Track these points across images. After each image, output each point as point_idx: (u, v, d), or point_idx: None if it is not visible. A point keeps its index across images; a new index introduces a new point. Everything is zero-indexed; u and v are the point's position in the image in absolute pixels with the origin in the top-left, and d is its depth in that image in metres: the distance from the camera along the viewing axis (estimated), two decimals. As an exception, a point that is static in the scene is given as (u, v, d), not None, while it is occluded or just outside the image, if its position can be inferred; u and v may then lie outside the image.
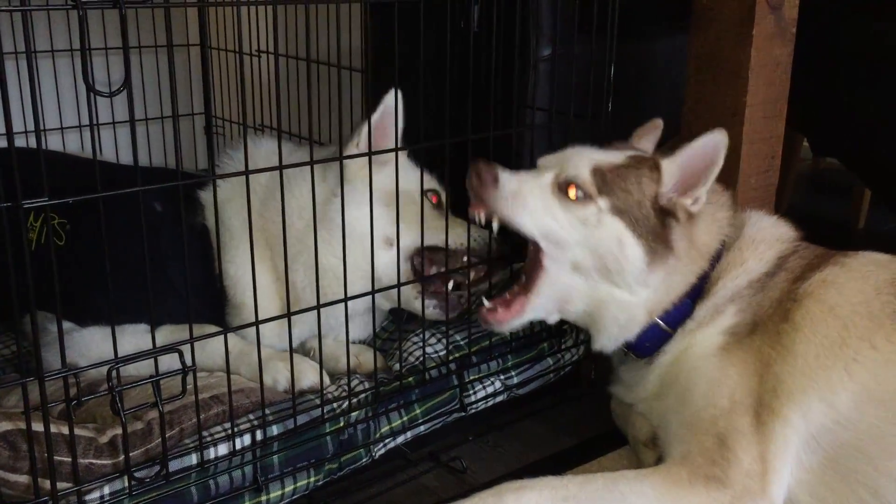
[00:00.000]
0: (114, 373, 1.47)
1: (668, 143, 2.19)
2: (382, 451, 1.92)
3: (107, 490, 1.55)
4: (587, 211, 1.72)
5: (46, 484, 1.46)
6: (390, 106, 1.91)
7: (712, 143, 1.73)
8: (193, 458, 1.63)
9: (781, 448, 1.60)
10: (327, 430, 1.80)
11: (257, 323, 1.68)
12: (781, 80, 2.14)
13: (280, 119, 1.64)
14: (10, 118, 1.26)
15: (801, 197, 3.96)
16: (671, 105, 2.13)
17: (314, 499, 1.81)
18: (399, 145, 1.97)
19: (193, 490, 1.63)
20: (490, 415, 2.13)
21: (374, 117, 1.90)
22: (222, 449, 1.67)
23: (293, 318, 1.74)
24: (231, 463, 1.68)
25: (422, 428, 1.99)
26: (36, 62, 2.86)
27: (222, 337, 1.69)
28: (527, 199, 1.73)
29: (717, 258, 1.82)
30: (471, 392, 2.06)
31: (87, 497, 1.53)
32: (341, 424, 1.82)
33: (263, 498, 1.71)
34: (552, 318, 1.88)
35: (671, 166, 1.77)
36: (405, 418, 1.95)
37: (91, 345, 1.89)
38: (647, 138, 2.00)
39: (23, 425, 1.45)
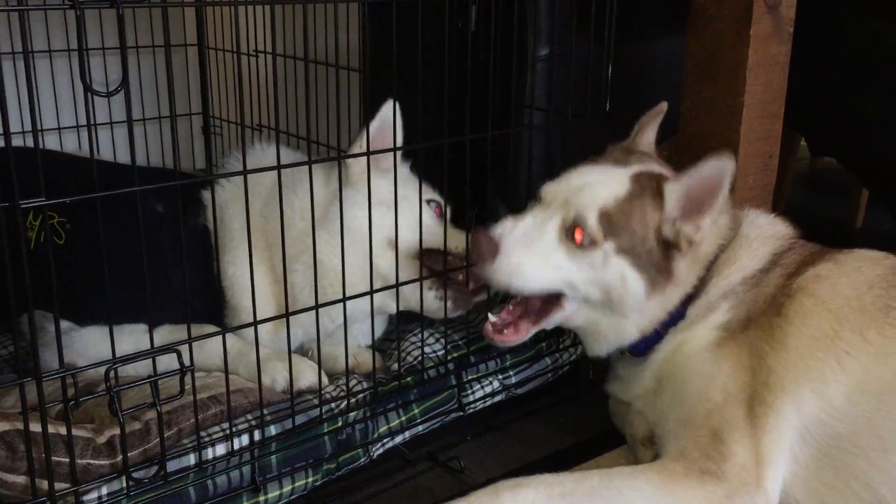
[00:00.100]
0: (112, 373, 1.47)
1: (666, 144, 2.19)
2: (381, 451, 1.92)
3: (105, 490, 1.54)
4: (594, 257, 1.73)
5: (44, 484, 1.46)
6: (388, 116, 1.92)
7: (718, 169, 1.70)
8: (191, 459, 1.63)
9: (775, 440, 1.61)
10: (325, 431, 1.80)
11: (255, 323, 1.68)
12: (779, 80, 2.14)
13: (278, 119, 1.64)
14: (7, 118, 1.26)
15: (799, 196, 3.97)
16: (669, 104, 2.12)
17: (312, 499, 1.81)
18: (405, 156, 2.00)
19: (191, 490, 1.62)
20: (488, 415, 2.13)
21: (373, 126, 1.90)
22: (220, 449, 1.67)
23: (287, 323, 1.75)
24: (229, 463, 1.68)
25: (420, 428, 1.99)
26: (33, 62, 2.86)
27: (221, 337, 1.69)
28: (529, 270, 1.74)
29: (713, 261, 1.83)
30: (469, 392, 2.06)
31: (85, 497, 1.53)
32: (339, 424, 1.82)
33: (261, 498, 1.70)
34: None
35: (675, 191, 1.74)
36: (403, 418, 1.95)
37: (90, 344, 1.88)
38: (650, 126, 1.99)
39: (20, 426, 1.45)
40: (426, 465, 1.95)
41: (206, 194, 2.04)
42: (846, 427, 1.57)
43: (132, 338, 1.82)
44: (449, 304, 1.98)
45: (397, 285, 1.93)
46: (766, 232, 1.87)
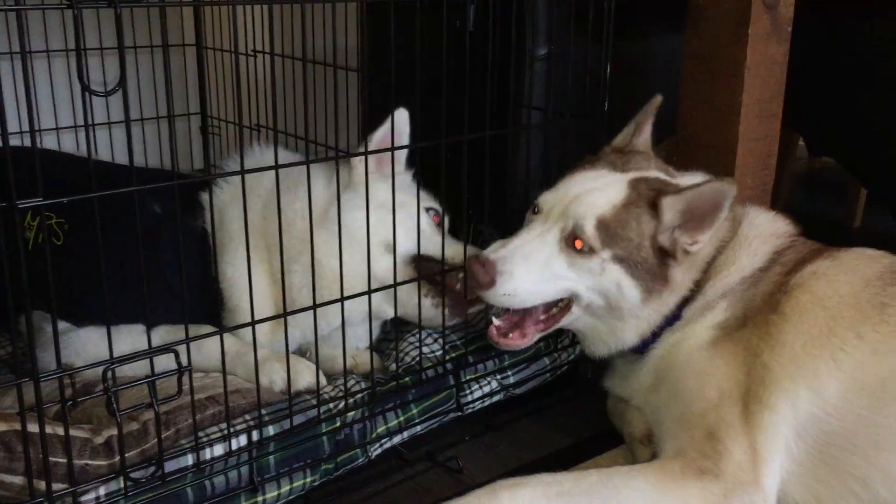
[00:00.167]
0: (109, 373, 1.46)
1: (665, 144, 2.19)
2: (379, 451, 1.92)
3: (102, 491, 1.54)
4: (592, 263, 1.75)
5: (42, 485, 1.46)
6: (398, 123, 1.92)
7: (719, 191, 1.72)
8: (189, 459, 1.63)
9: (771, 438, 1.61)
10: (324, 431, 1.80)
11: (253, 323, 1.67)
12: (777, 79, 2.14)
13: (276, 119, 1.64)
14: (4, 118, 1.26)
15: (797, 196, 3.97)
16: (667, 104, 2.12)
17: (311, 499, 1.81)
18: (408, 165, 2.01)
19: (189, 491, 1.62)
20: (486, 414, 2.13)
21: (381, 131, 1.91)
22: (218, 449, 1.66)
23: (286, 323, 1.75)
24: (227, 463, 1.68)
25: (418, 428, 1.99)
26: (31, 62, 2.86)
27: (219, 337, 1.68)
28: (527, 287, 1.75)
29: (710, 263, 1.83)
30: (467, 392, 2.06)
31: (83, 498, 1.52)
32: (338, 425, 1.82)
33: (259, 498, 1.70)
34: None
35: (672, 204, 1.75)
36: (401, 418, 1.94)
37: (88, 345, 1.88)
38: (646, 124, 2.00)
39: (18, 426, 1.45)
40: (424, 466, 1.95)
41: (206, 196, 2.03)
42: (842, 424, 1.57)
43: (130, 338, 1.82)
44: (437, 308, 1.99)
45: (395, 285, 1.93)
46: (766, 230, 1.88)
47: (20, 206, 1.29)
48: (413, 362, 2.02)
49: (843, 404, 1.58)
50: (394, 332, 2.14)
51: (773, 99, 2.15)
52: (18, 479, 1.48)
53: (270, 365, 1.87)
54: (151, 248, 1.90)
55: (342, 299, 1.80)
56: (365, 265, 1.86)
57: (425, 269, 1.97)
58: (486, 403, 2.11)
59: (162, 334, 1.87)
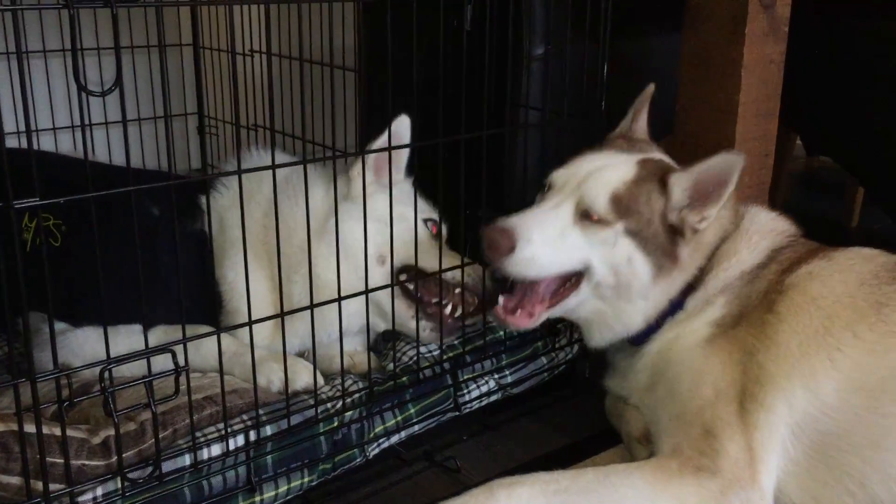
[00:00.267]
0: (106, 374, 1.46)
1: (661, 143, 2.19)
2: (376, 450, 1.92)
3: (100, 491, 1.54)
4: (606, 234, 1.76)
5: (39, 485, 1.46)
6: (399, 131, 1.93)
7: (727, 163, 1.73)
8: (187, 459, 1.63)
9: (767, 436, 1.61)
10: (321, 431, 1.80)
11: (250, 323, 1.67)
12: (774, 79, 2.15)
13: (273, 119, 1.63)
14: (0, 119, 1.26)
15: (794, 195, 3.97)
16: (665, 103, 2.13)
17: (308, 499, 1.81)
18: (408, 173, 2.03)
19: (187, 491, 1.62)
20: (484, 414, 2.13)
21: (380, 142, 1.92)
22: (216, 449, 1.66)
23: (286, 331, 1.75)
24: (224, 463, 1.68)
25: (416, 427, 1.98)
26: (28, 62, 2.86)
27: (216, 338, 1.68)
28: (545, 261, 1.75)
29: (714, 251, 1.85)
30: (465, 391, 2.06)
31: (80, 498, 1.52)
32: (335, 424, 1.82)
33: (257, 498, 1.70)
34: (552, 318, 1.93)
35: (680, 182, 1.77)
36: (399, 418, 1.94)
37: (85, 345, 1.88)
38: (642, 113, 2.02)
39: (15, 426, 1.45)
40: (422, 465, 1.95)
41: (205, 199, 2.03)
42: (838, 424, 1.58)
43: (127, 338, 1.81)
44: (433, 333, 2.01)
45: (392, 285, 1.94)
46: (767, 227, 1.89)
47: (16, 206, 1.29)
48: (410, 362, 2.02)
49: (840, 404, 1.58)
50: (392, 331, 2.14)
51: (770, 98, 2.15)
52: (15, 480, 1.48)
53: (268, 365, 1.87)
54: (149, 249, 1.90)
55: (339, 299, 1.80)
56: (357, 277, 1.86)
57: (422, 282, 1.99)
58: (484, 403, 2.11)
59: (160, 335, 1.87)
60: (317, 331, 1.86)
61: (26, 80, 1.29)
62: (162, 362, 1.55)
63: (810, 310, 1.67)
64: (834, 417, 1.58)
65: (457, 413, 2.06)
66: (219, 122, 3.18)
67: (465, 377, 2.06)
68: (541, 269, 1.76)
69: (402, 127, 1.94)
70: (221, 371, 1.69)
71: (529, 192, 1.95)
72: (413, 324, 2.00)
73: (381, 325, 2.07)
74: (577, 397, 2.25)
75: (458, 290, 2.04)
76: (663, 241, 1.77)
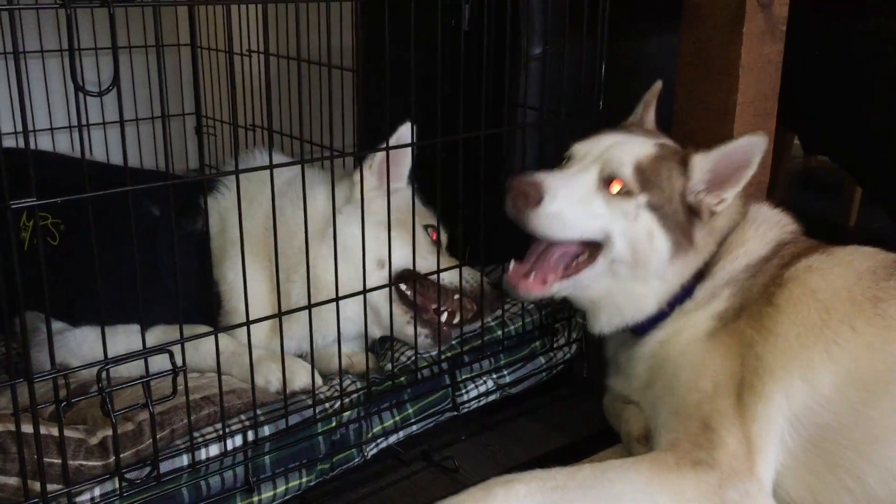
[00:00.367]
0: (104, 374, 1.46)
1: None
2: (375, 450, 1.92)
3: (97, 492, 1.54)
4: (628, 205, 1.76)
5: (36, 486, 1.46)
6: (401, 138, 1.93)
7: (748, 146, 1.75)
8: (185, 459, 1.63)
9: (765, 428, 1.61)
10: (319, 431, 1.80)
11: (248, 323, 1.67)
12: (772, 78, 2.15)
13: (271, 119, 1.63)
14: (-3, 119, 1.26)
15: (792, 195, 3.97)
16: (663, 103, 2.13)
17: (306, 499, 1.81)
18: (410, 181, 2.04)
19: (185, 491, 1.62)
20: (482, 414, 2.13)
21: (381, 154, 1.92)
22: (214, 450, 1.66)
23: (281, 324, 1.75)
24: (222, 464, 1.68)
25: (414, 427, 1.98)
26: (25, 62, 2.85)
27: (214, 338, 1.68)
28: (570, 218, 1.75)
29: (725, 237, 1.86)
30: (463, 391, 2.06)
31: (78, 499, 1.52)
32: (333, 424, 1.82)
33: (255, 498, 1.70)
34: (559, 297, 1.93)
35: (701, 163, 1.79)
36: (397, 418, 1.94)
37: (83, 345, 1.88)
38: (651, 105, 2.04)
39: (12, 427, 1.45)
40: (420, 465, 1.95)
41: (205, 199, 2.04)
42: (835, 417, 1.58)
43: (126, 338, 1.81)
44: (429, 339, 2.01)
45: (391, 285, 1.94)
46: (773, 219, 1.91)
47: (12, 206, 1.29)
48: (409, 362, 2.02)
49: (837, 396, 1.59)
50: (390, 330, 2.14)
51: (767, 98, 2.15)
52: (13, 480, 1.48)
53: (266, 365, 1.87)
54: (149, 249, 1.91)
55: (337, 298, 1.80)
56: (360, 282, 1.86)
57: (421, 288, 2.00)
58: (482, 403, 2.11)
59: (158, 334, 1.87)
60: (314, 333, 1.86)
61: (23, 80, 1.28)
62: (160, 362, 1.55)
63: (809, 302, 1.68)
64: (831, 410, 1.59)
65: (455, 413, 2.06)
66: (216, 122, 3.18)
67: (464, 377, 2.06)
68: (564, 229, 1.75)
69: (405, 132, 1.94)
70: (219, 371, 1.69)
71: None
72: (410, 330, 2.00)
73: (377, 332, 2.07)
74: (575, 397, 2.25)
75: (456, 297, 2.04)
76: (682, 220, 1.78)
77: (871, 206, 3.57)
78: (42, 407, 1.48)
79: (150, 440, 1.59)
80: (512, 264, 1.84)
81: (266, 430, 1.73)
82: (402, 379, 1.96)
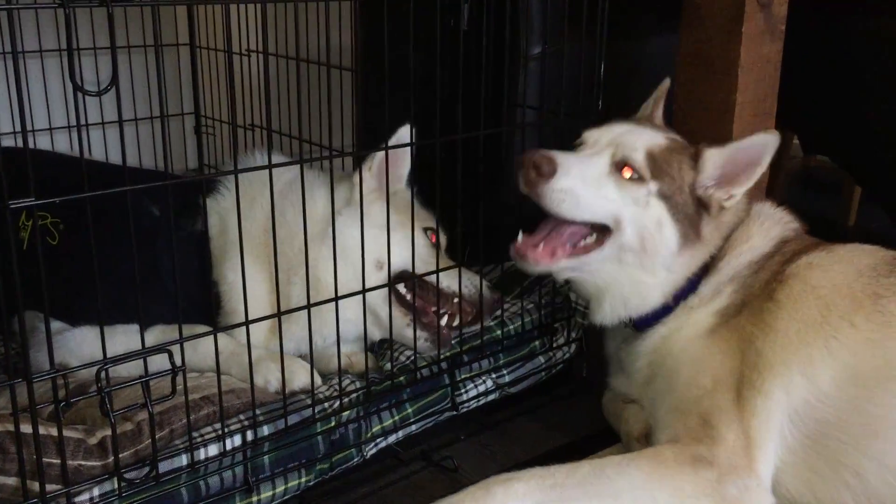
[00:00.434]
0: (103, 374, 1.46)
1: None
2: (374, 450, 1.91)
3: (96, 492, 1.54)
4: (639, 191, 1.77)
5: (35, 486, 1.46)
6: (400, 140, 1.94)
7: (761, 144, 1.76)
8: (184, 459, 1.63)
9: (764, 423, 1.62)
10: (318, 430, 1.80)
11: (247, 323, 1.67)
12: (771, 78, 2.15)
13: (270, 118, 1.63)
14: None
15: (791, 194, 3.97)
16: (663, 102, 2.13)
17: (305, 499, 1.81)
18: (409, 182, 2.04)
19: (184, 491, 1.62)
20: (482, 413, 2.12)
21: (380, 155, 1.93)
22: (213, 450, 1.66)
23: (280, 323, 1.76)
24: (221, 464, 1.67)
25: (413, 427, 1.98)
26: (24, 62, 2.85)
27: (213, 337, 1.68)
28: (581, 196, 1.74)
29: (731, 233, 1.86)
30: (462, 391, 2.06)
31: (77, 499, 1.52)
32: (332, 424, 1.82)
33: (254, 498, 1.70)
34: (564, 277, 1.91)
35: (714, 157, 1.80)
36: (396, 418, 1.94)
37: (83, 344, 1.88)
38: (660, 102, 2.05)
39: (11, 427, 1.45)
40: (419, 465, 1.95)
41: (207, 199, 2.03)
42: (835, 413, 1.58)
43: (125, 338, 1.81)
44: (428, 343, 2.01)
45: (390, 285, 1.94)
46: (776, 216, 1.92)
47: (11, 206, 1.29)
48: (408, 361, 2.02)
49: (836, 392, 1.59)
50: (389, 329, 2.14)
51: (767, 97, 2.15)
52: (12, 480, 1.48)
53: (265, 365, 1.87)
54: (149, 249, 1.91)
55: (336, 298, 1.80)
56: (359, 284, 1.85)
57: (420, 291, 2.00)
58: (481, 402, 2.10)
59: (157, 334, 1.87)
60: (313, 334, 1.86)
61: (22, 80, 1.28)
62: (159, 362, 1.55)
63: (809, 298, 1.69)
64: (830, 406, 1.59)
65: (454, 412, 2.05)
66: (215, 122, 3.19)
67: (463, 377, 2.06)
68: (574, 206, 1.74)
69: (403, 135, 1.94)
70: (218, 371, 1.69)
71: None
72: (409, 332, 2.00)
73: (377, 334, 2.07)
74: (574, 396, 2.25)
75: (455, 300, 2.04)
76: (691, 212, 1.79)
77: (871, 205, 3.57)
78: (41, 407, 1.48)
79: (150, 440, 1.58)
80: (521, 236, 1.82)
81: (265, 430, 1.73)
82: (402, 378, 1.96)
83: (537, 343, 2.20)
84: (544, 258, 1.80)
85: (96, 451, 1.56)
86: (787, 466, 1.62)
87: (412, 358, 2.01)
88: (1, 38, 2.43)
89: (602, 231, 1.79)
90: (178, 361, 1.54)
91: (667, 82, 2.07)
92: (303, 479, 1.77)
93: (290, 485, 1.75)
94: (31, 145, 1.34)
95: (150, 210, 1.98)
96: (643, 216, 1.76)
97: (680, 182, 1.79)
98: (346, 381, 1.92)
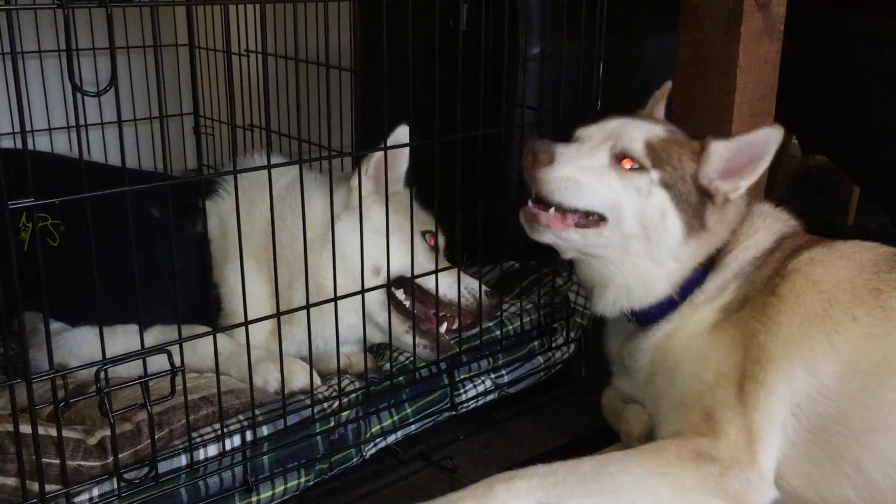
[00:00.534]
0: (102, 374, 1.46)
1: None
2: (373, 450, 1.92)
3: (96, 492, 1.54)
4: (641, 180, 1.76)
5: (35, 486, 1.46)
6: (396, 140, 1.93)
7: (765, 138, 1.77)
8: (183, 460, 1.63)
9: (767, 417, 1.62)
10: (318, 430, 1.80)
11: (246, 323, 1.67)
12: (770, 78, 2.15)
13: (269, 119, 1.63)
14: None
15: (790, 194, 3.97)
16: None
17: (305, 499, 1.81)
18: (407, 180, 2.03)
19: (183, 491, 1.62)
20: (481, 413, 2.13)
21: (377, 155, 1.93)
22: (212, 450, 1.66)
23: (284, 339, 1.77)
24: (221, 464, 1.67)
25: (412, 427, 1.98)
26: (23, 63, 2.85)
27: (212, 338, 1.68)
28: (582, 183, 1.75)
29: (736, 227, 1.86)
30: (461, 391, 2.06)
31: (77, 499, 1.52)
32: (332, 424, 1.82)
33: (254, 499, 1.70)
34: (568, 256, 1.90)
35: (720, 149, 1.80)
36: (396, 418, 1.94)
37: (83, 345, 1.88)
38: (661, 102, 2.05)
39: (10, 427, 1.45)
40: (419, 465, 1.95)
41: (206, 201, 2.03)
42: (836, 407, 1.59)
43: (125, 338, 1.81)
44: (427, 350, 2.01)
45: (389, 285, 1.94)
46: (776, 214, 1.92)
47: (10, 206, 1.29)
48: (407, 361, 2.02)
49: (838, 386, 1.59)
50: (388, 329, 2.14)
51: (765, 97, 2.15)
52: (11, 481, 1.48)
53: (265, 365, 1.87)
54: (149, 250, 1.91)
55: (335, 299, 1.80)
56: (358, 288, 1.85)
57: (419, 296, 2.00)
58: (481, 402, 2.11)
59: (157, 334, 1.87)
60: (313, 337, 1.86)
61: (21, 80, 1.28)
62: (159, 362, 1.55)
63: (811, 293, 1.69)
64: (832, 400, 1.59)
65: (453, 412, 2.06)
66: (214, 123, 3.18)
67: (462, 377, 2.06)
68: (574, 194, 1.74)
69: (401, 135, 1.94)
70: (217, 371, 1.69)
71: (526, 192, 1.94)
72: (408, 338, 2.00)
73: (377, 338, 2.06)
74: (573, 396, 2.25)
75: (453, 307, 2.04)
76: (695, 202, 1.79)
77: (869, 205, 3.58)
78: (41, 407, 1.48)
79: (149, 440, 1.58)
80: (530, 203, 1.81)
81: (264, 431, 1.73)
82: (401, 379, 1.96)
83: (536, 343, 2.21)
84: (556, 221, 1.78)
85: (96, 451, 1.57)
86: (789, 460, 1.62)
87: (411, 358, 2.01)
88: (0, 39, 2.43)
89: (604, 220, 1.78)
90: (177, 362, 1.54)
91: (668, 84, 2.07)
92: (302, 480, 1.77)
93: (289, 485, 1.75)
94: (30, 146, 1.34)
95: (150, 212, 1.98)
96: (646, 205, 1.76)
97: (682, 171, 1.78)
98: (346, 382, 1.92)
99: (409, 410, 1.96)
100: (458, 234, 2.10)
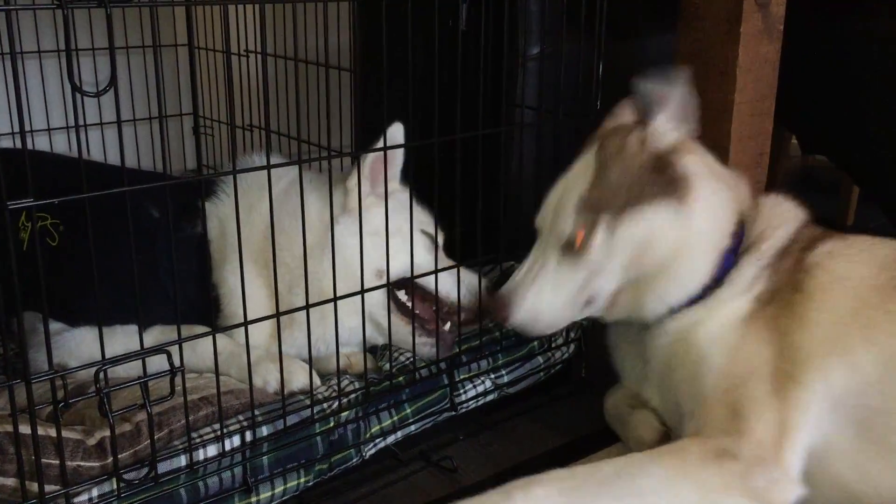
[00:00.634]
0: (101, 374, 1.46)
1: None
2: (373, 451, 1.92)
3: (95, 492, 1.54)
4: (597, 242, 1.70)
5: (34, 487, 1.46)
6: (392, 139, 1.93)
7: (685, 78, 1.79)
8: (182, 460, 1.63)
9: (800, 415, 1.59)
10: (317, 431, 1.80)
11: (246, 323, 1.67)
12: (769, 78, 2.15)
13: (268, 119, 1.63)
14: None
15: (790, 194, 3.97)
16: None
17: (304, 499, 1.81)
18: (404, 180, 2.03)
19: (183, 492, 1.62)
20: (481, 414, 2.13)
21: (373, 155, 1.93)
22: (212, 450, 1.66)
23: (284, 342, 1.77)
24: (220, 464, 1.67)
25: (412, 427, 1.98)
26: (22, 63, 2.85)
27: (212, 338, 1.68)
28: (544, 312, 1.76)
29: (755, 212, 1.86)
30: (461, 391, 2.06)
31: (76, 500, 1.52)
32: (331, 425, 1.82)
33: (253, 499, 1.70)
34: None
35: (670, 105, 1.80)
36: (395, 418, 1.94)
37: (82, 345, 1.88)
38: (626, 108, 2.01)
39: (10, 428, 1.45)
40: (419, 465, 1.95)
41: (206, 202, 2.03)
42: (882, 398, 1.56)
43: (124, 339, 1.81)
44: (429, 349, 2.01)
45: (388, 285, 1.94)
46: (791, 205, 1.93)
47: (10, 206, 1.29)
48: (407, 362, 2.02)
49: (883, 376, 1.57)
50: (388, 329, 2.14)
51: (765, 97, 2.15)
52: (10, 481, 1.48)
53: (264, 366, 1.87)
54: (149, 251, 1.91)
55: (335, 299, 1.80)
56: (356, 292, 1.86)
57: (418, 296, 2.01)
58: (480, 403, 2.11)
59: (156, 335, 1.87)
60: (314, 342, 1.86)
61: (20, 80, 1.28)
62: (158, 363, 1.55)
63: (838, 288, 1.67)
64: (877, 390, 1.57)
65: (453, 413, 2.06)
66: (214, 123, 3.18)
67: (462, 377, 2.06)
68: (548, 326, 1.78)
69: (396, 133, 1.93)
70: (217, 372, 1.68)
71: (525, 192, 1.95)
72: (411, 339, 1.99)
73: (378, 339, 2.07)
74: (573, 396, 2.25)
75: (453, 303, 2.04)
76: (652, 178, 1.71)
77: (869, 205, 3.58)
78: (40, 408, 1.48)
79: (148, 441, 1.58)
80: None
81: (264, 431, 1.73)
82: (401, 379, 1.97)
83: (536, 343, 2.21)
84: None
85: (95, 451, 1.57)
86: (837, 452, 1.59)
87: (411, 358, 2.01)
88: (-1, 39, 2.43)
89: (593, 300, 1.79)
90: (176, 362, 1.54)
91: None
92: (302, 480, 1.77)
93: (289, 485, 1.75)
94: (29, 146, 1.34)
95: (149, 212, 1.98)
96: (620, 244, 1.70)
97: (630, 178, 1.70)
98: (345, 382, 1.92)
99: (408, 411, 1.96)
100: (457, 234, 2.10)
